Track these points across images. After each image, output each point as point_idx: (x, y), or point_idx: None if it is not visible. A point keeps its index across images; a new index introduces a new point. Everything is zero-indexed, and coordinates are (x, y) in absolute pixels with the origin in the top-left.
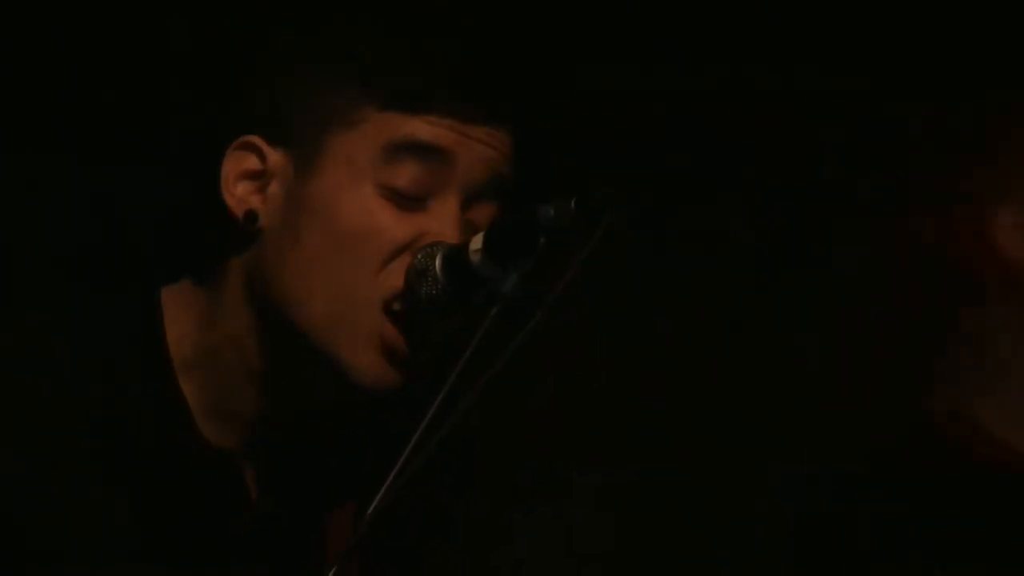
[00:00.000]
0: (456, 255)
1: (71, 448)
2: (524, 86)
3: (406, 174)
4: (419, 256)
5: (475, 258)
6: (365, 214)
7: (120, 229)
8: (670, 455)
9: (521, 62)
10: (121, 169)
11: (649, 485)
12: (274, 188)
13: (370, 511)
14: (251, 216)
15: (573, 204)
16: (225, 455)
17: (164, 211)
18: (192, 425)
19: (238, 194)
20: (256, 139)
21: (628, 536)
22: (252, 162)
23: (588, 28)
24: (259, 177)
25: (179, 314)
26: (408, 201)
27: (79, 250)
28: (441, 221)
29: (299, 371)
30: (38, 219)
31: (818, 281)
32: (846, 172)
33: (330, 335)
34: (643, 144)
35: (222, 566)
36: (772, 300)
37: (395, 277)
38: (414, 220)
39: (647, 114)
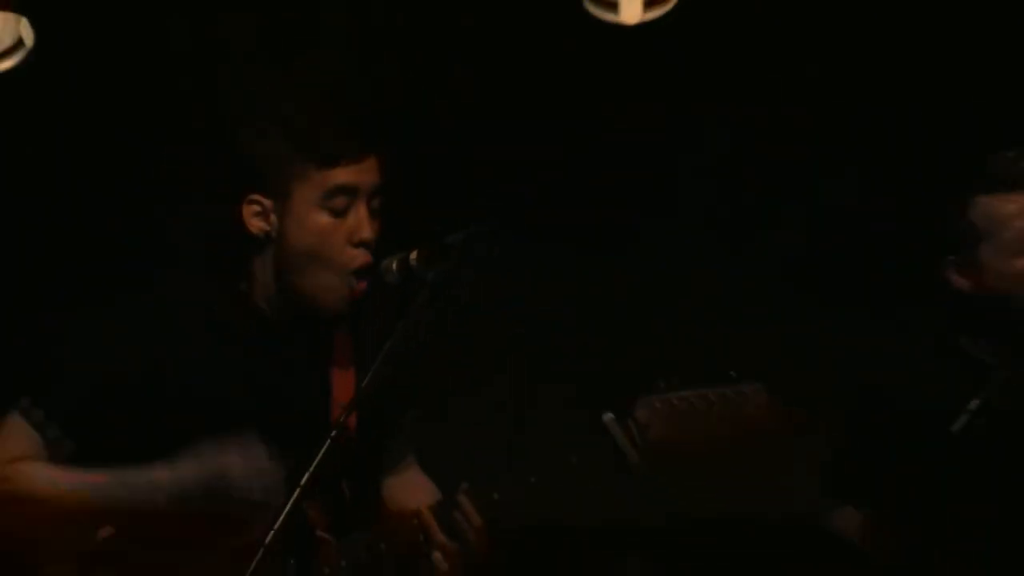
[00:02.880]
0: (404, 260)
1: (196, 334)
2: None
3: (339, 202)
4: (384, 261)
5: (413, 263)
6: (323, 225)
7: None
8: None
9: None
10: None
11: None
12: (272, 218)
13: (364, 383)
14: (265, 235)
15: (411, 257)
16: (282, 324)
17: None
18: (264, 314)
19: (254, 225)
20: (257, 195)
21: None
22: (256, 207)
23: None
24: (263, 213)
25: (261, 271)
26: (340, 213)
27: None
28: (359, 221)
29: (297, 302)
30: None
31: None
32: None
33: (315, 291)
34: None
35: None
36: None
37: (352, 256)
38: (346, 222)
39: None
